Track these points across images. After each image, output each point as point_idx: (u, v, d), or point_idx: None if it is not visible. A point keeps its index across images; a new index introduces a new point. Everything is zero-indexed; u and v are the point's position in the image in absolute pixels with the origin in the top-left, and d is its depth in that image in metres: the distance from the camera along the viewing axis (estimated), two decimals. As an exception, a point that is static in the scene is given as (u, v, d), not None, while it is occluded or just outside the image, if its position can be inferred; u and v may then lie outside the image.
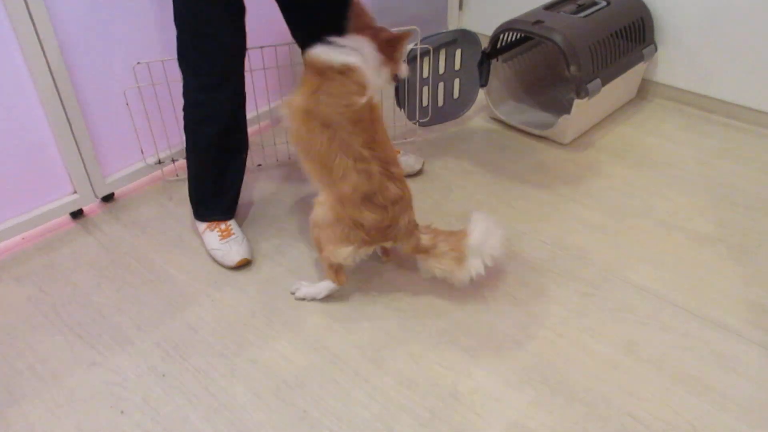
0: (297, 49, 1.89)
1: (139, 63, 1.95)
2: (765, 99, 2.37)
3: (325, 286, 1.68)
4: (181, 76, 1.73)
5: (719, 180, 2.14)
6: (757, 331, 1.59)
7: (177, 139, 2.16)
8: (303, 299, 1.71)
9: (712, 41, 2.40)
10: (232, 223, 1.89)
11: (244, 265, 1.82)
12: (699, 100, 2.55)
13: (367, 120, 1.52)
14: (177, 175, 2.20)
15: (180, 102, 1.78)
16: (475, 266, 1.56)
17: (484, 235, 1.56)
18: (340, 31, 1.61)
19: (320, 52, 1.52)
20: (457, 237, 1.58)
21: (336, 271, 1.64)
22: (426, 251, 1.59)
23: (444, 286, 1.73)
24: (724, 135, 2.40)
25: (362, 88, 1.51)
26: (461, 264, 1.56)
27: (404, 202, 1.58)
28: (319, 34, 1.61)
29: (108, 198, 2.11)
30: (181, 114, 1.80)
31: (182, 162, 2.16)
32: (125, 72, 1.96)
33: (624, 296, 1.70)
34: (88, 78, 1.90)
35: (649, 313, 1.65)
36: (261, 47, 2.09)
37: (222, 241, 1.83)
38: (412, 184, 2.13)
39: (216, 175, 1.85)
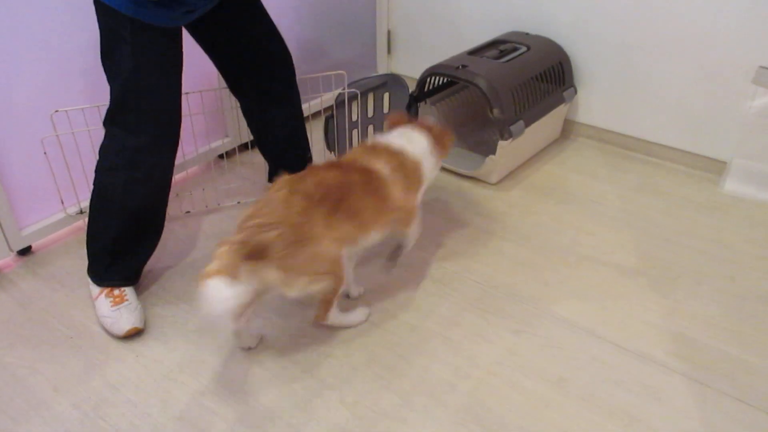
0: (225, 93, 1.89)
1: (57, 111, 1.89)
2: (676, 137, 2.51)
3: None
4: (108, 133, 1.66)
5: (639, 214, 2.24)
6: (680, 362, 1.64)
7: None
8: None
9: (625, 83, 2.54)
10: (127, 288, 1.77)
11: (135, 334, 1.70)
12: (618, 139, 2.67)
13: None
14: (100, 225, 2.12)
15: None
16: None
17: None
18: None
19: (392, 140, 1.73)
20: None
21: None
22: None
23: (377, 330, 1.72)
24: (642, 171, 2.51)
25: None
26: None
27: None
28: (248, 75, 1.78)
29: (24, 251, 2.00)
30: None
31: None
32: (42, 120, 1.89)
33: (553, 332, 1.73)
34: (1, 127, 1.83)
35: (578, 347, 1.68)
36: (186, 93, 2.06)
37: (113, 308, 1.72)
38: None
39: (133, 236, 1.75)
